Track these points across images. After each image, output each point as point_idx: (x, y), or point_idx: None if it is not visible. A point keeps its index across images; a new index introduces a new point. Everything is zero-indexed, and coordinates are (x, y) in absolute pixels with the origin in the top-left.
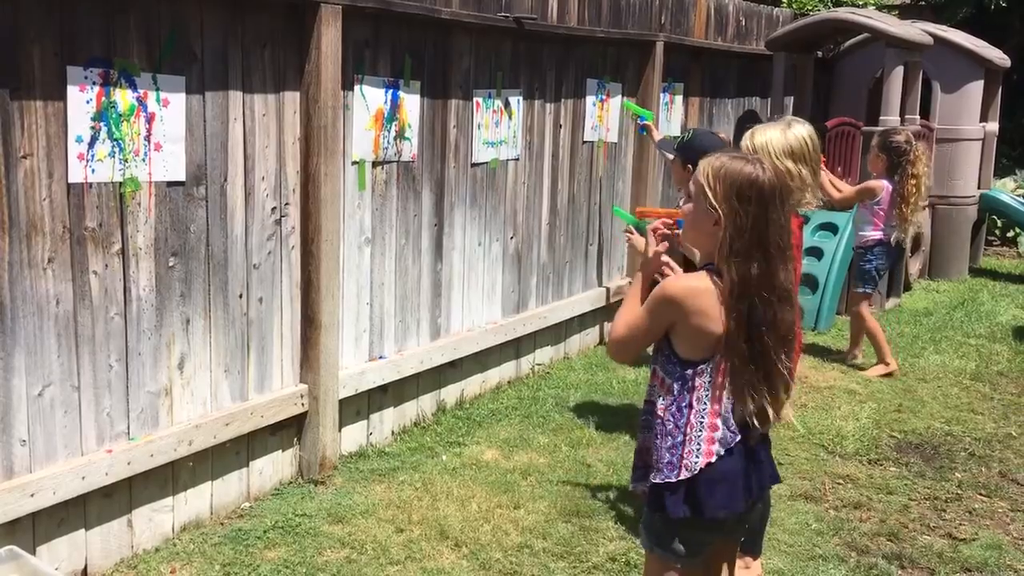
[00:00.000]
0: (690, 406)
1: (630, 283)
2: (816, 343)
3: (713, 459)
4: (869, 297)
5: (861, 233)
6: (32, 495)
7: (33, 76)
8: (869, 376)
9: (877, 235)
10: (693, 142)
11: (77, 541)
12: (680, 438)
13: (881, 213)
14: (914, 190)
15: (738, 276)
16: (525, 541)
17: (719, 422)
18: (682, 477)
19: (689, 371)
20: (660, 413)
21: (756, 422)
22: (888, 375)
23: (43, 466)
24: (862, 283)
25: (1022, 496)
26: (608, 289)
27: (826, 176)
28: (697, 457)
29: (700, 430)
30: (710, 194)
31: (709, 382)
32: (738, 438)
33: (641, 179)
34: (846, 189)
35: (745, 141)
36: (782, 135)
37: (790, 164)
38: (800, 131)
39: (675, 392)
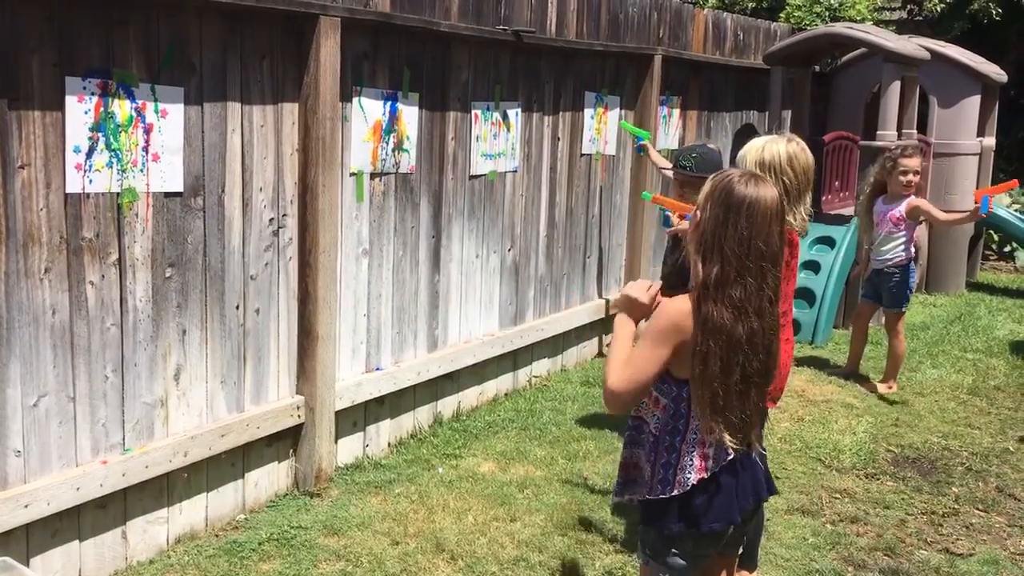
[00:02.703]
0: (686, 424)
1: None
2: (813, 357)
3: (706, 475)
4: (904, 315)
5: (893, 254)
6: (26, 506)
7: (32, 86)
8: (868, 391)
9: (912, 253)
10: (704, 160)
11: (71, 552)
12: (674, 455)
13: (916, 231)
14: None
15: (702, 275)
16: (521, 554)
17: (710, 439)
18: (675, 494)
19: (686, 390)
20: (654, 431)
21: (727, 433)
22: (886, 392)
23: (37, 477)
24: (901, 304)
25: (1019, 511)
26: (606, 301)
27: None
28: (690, 474)
29: (693, 447)
30: (701, 197)
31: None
32: (731, 456)
33: (639, 191)
34: (940, 212)
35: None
36: (761, 147)
37: None
38: (780, 147)
39: (670, 411)
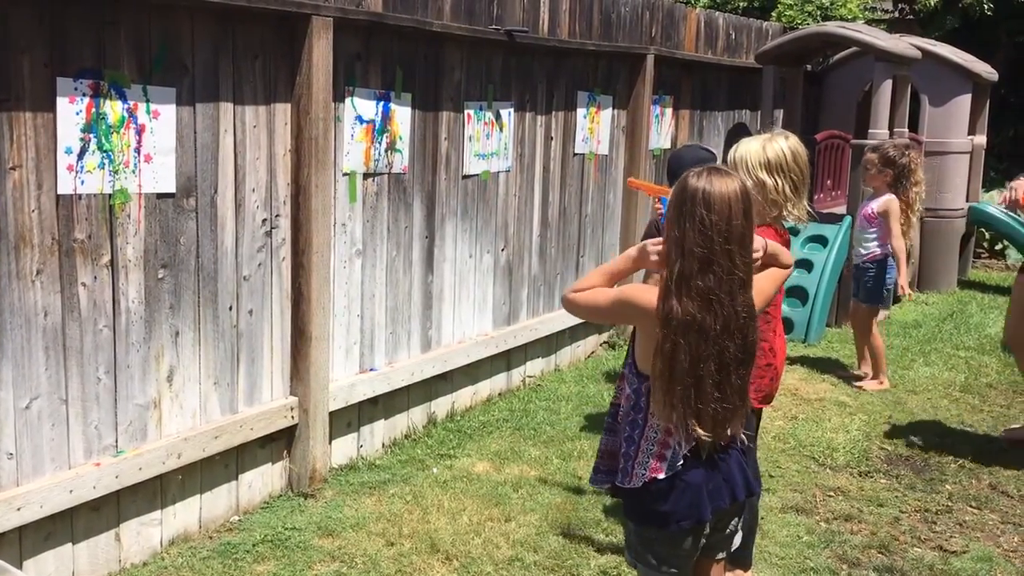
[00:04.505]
0: (644, 418)
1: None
2: (806, 355)
3: (660, 475)
4: (877, 312)
5: (863, 250)
6: (19, 509)
7: (23, 87)
8: (860, 388)
9: (885, 249)
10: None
11: (64, 555)
12: (632, 447)
13: (887, 227)
14: (916, 197)
15: (667, 274)
16: (516, 554)
17: (671, 440)
18: (632, 485)
19: (644, 385)
20: (620, 419)
21: (685, 433)
22: (877, 388)
23: (30, 479)
24: (874, 299)
25: (1012, 508)
26: None
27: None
28: (644, 470)
29: (651, 444)
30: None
31: None
32: (680, 461)
33: (632, 191)
34: (896, 227)
35: (730, 154)
36: (761, 147)
37: (765, 176)
38: (781, 144)
39: (631, 402)
